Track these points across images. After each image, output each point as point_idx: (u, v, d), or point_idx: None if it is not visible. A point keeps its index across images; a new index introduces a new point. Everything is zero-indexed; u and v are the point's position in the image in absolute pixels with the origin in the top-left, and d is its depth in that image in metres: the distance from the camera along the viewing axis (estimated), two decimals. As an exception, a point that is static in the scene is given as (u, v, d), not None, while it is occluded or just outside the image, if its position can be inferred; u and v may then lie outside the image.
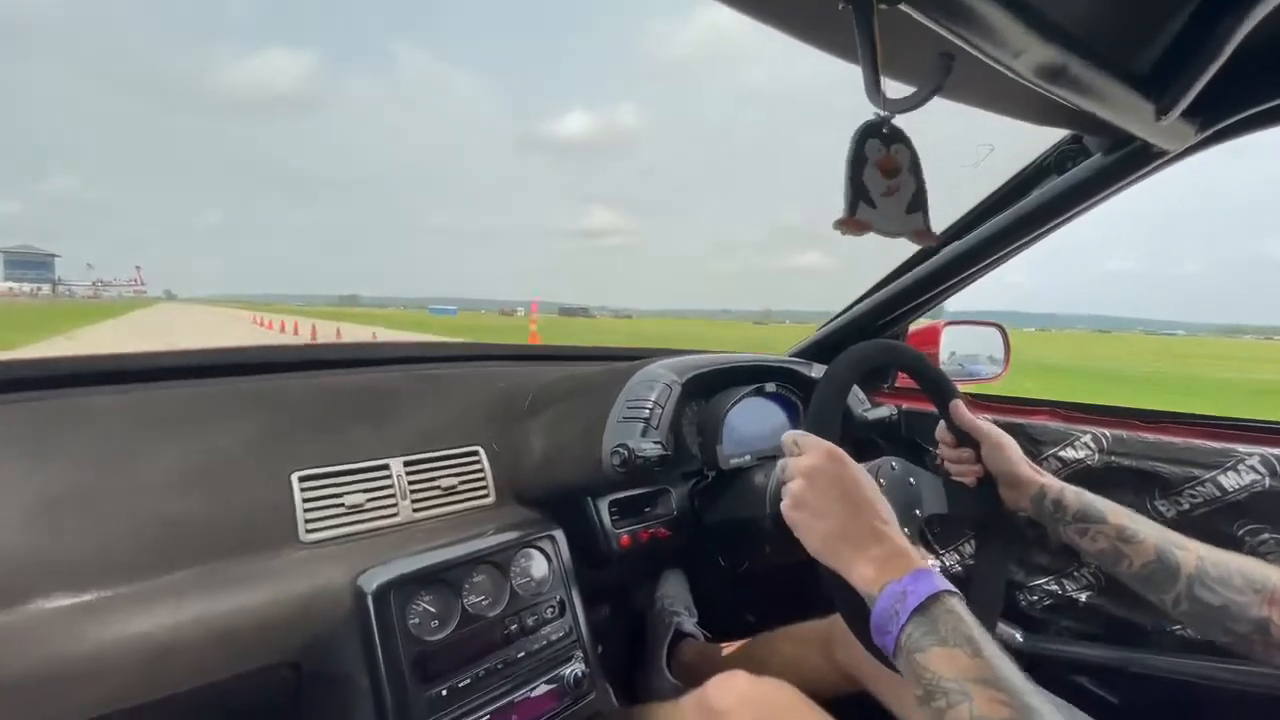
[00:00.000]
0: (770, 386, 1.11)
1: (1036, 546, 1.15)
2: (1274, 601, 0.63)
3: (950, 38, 0.49)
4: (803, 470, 0.63)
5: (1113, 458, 1.06)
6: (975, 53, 0.50)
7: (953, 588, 0.54)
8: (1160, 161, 0.81)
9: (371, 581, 0.75)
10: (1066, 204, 0.90)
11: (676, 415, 0.94)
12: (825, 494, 0.61)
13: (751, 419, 1.10)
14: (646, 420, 0.90)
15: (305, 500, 0.80)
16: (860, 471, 0.63)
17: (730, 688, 0.82)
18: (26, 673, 0.59)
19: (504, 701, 0.79)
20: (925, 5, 0.46)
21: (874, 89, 0.47)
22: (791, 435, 0.67)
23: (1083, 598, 1.11)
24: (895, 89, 0.51)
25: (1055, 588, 1.14)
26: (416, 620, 0.76)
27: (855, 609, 0.60)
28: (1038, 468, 0.82)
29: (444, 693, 0.75)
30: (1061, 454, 1.11)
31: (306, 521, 0.79)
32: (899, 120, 0.53)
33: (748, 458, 1.07)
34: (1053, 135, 0.92)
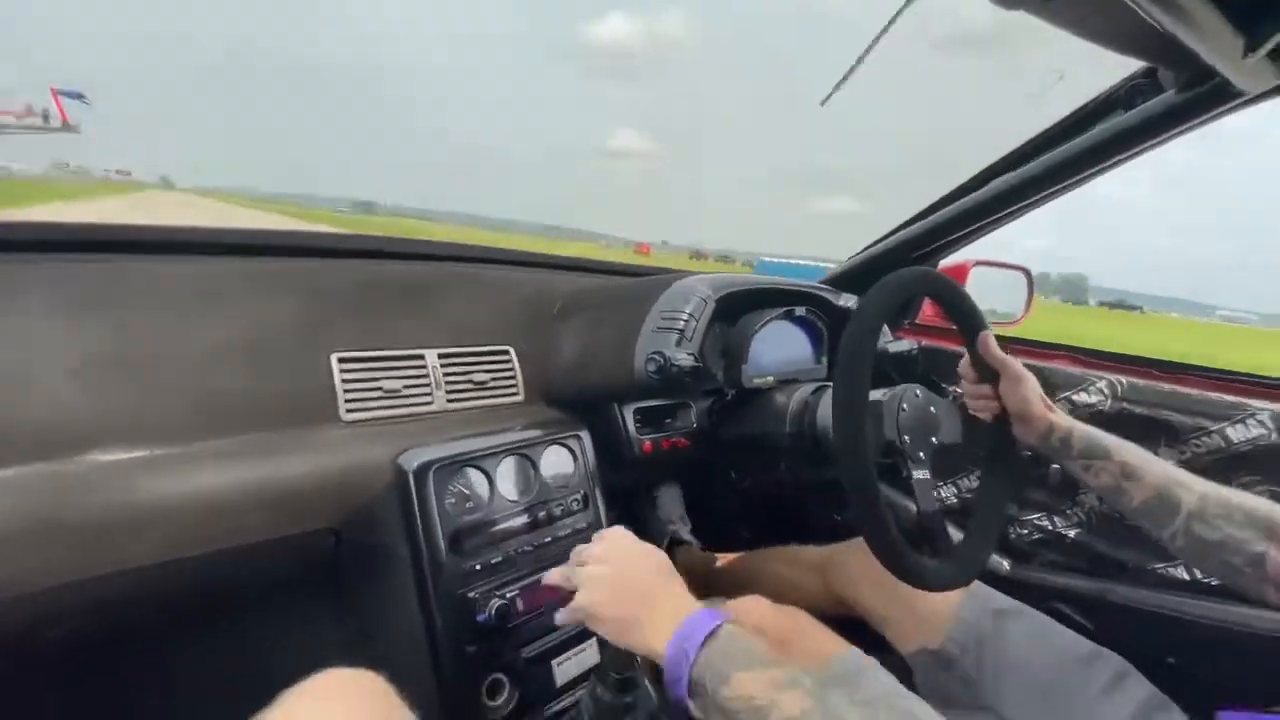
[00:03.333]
0: (799, 311, 1.12)
1: (1033, 484, 1.19)
2: (1274, 537, 0.67)
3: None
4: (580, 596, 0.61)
5: (1125, 404, 1.08)
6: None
7: (721, 618, 0.54)
8: (1235, 103, 0.78)
9: (412, 461, 0.78)
10: (1131, 141, 0.88)
11: (705, 332, 0.96)
12: (607, 597, 0.60)
13: (777, 342, 1.11)
14: (681, 332, 0.91)
15: (345, 381, 0.82)
16: (619, 556, 0.63)
17: (754, 611, 0.87)
18: (86, 518, 0.63)
19: (529, 580, 0.84)
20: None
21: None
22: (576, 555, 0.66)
23: (1071, 534, 1.16)
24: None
25: (1046, 524, 1.19)
26: (452, 500, 0.80)
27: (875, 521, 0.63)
28: (1051, 405, 0.84)
29: (477, 567, 0.79)
30: (1074, 398, 1.13)
31: (346, 402, 0.81)
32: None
33: (770, 379, 1.09)
34: (1123, 71, 0.89)
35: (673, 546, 1.41)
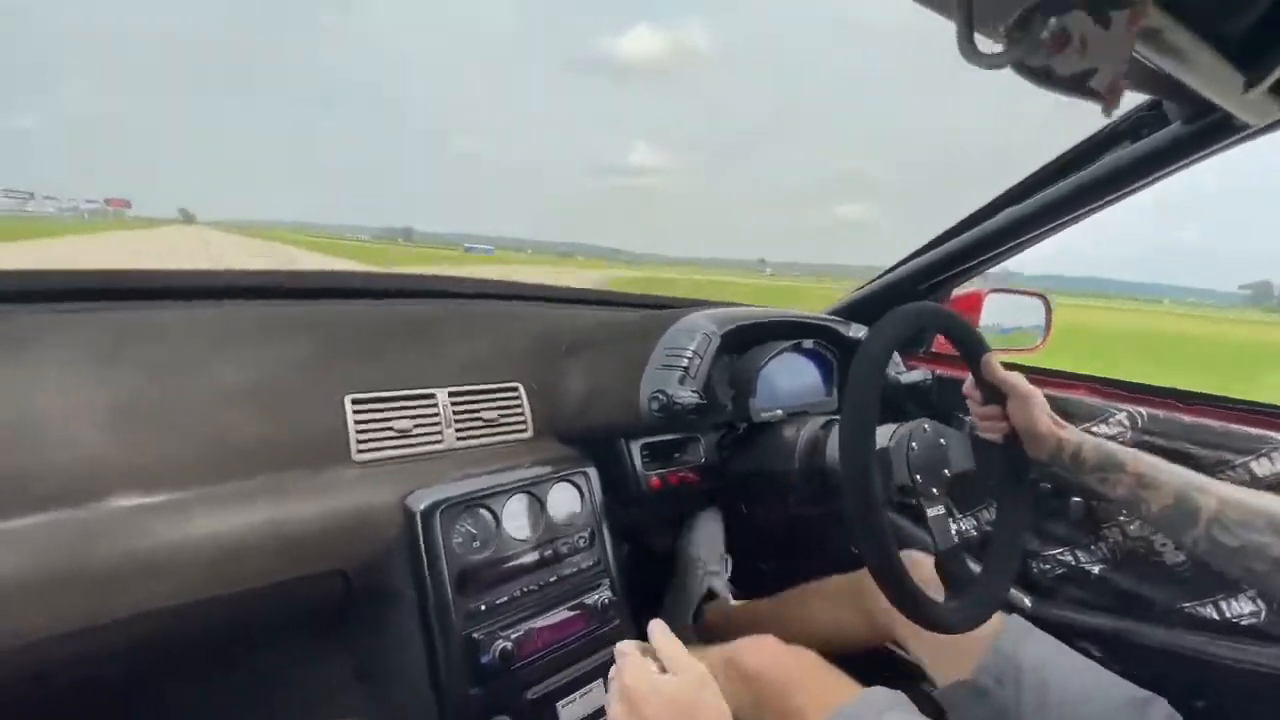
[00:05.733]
0: (808, 343, 1.12)
1: (1055, 517, 1.16)
2: None
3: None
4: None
5: (1146, 437, 1.05)
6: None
7: None
8: (1241, 135, 0.77)
9: (420, 502, 0.79)
10: (1138, 173, 0.88)
11: (711, 366, 0.96)
12: None
13: (786, 374, 1.11)
14: (685, 369, 0.92)
15: (357, 422, 0.83)
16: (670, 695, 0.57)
17: (761, 651, 0.85)
18: (103, 564, 0.64)
19: (535, 621, 0.84)
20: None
21: (967, 42, 0.46)
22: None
23: (1095, 570, 1.13)
24: (986, 46, 0.49)
25: (1069, 558, 1.16)
26: (460, 540, 0.81)
27: (886, 565, 0.61)
28: (1061, 421, 0.84)
29: (482, 608, 0.80)
30: (1094, 429, 1.10)
31: (358, 442, 0.83)
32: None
33: (779, 412, 1.08)
34: (1129, 101, 0.89)
35: (704, 600, 1.30)
